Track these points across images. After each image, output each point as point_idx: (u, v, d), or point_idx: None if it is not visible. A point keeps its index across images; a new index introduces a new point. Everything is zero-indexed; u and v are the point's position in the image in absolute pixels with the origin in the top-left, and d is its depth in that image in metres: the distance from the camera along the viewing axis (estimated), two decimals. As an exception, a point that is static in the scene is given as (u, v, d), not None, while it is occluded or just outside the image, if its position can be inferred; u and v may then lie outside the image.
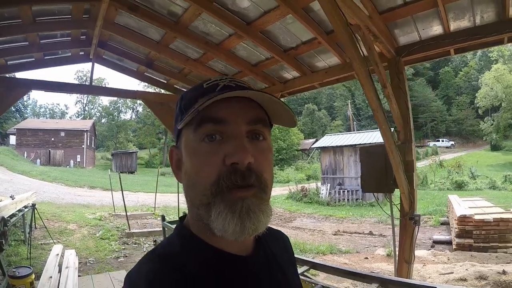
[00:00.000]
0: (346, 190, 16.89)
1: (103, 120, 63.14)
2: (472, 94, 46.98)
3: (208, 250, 0.70)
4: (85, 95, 56.62)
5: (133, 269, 0.69)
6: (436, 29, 3.49)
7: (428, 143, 48.58)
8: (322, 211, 14.93)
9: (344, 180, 17.43)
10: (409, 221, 3.69)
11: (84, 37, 4.93)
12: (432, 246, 8.90)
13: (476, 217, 8.17)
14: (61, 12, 4.09)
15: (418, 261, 7.04)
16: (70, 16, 4.18)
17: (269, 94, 0.70)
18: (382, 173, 3.69)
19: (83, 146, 39.00)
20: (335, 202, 16.74)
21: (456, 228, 8.55)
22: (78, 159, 37.77)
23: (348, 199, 16.57)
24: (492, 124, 41.09)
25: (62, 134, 38.71)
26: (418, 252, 7.98)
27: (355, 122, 44.55)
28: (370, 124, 46.85)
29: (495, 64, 41.81)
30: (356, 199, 16.63)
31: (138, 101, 46.10)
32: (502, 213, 8.45)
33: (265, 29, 4.03)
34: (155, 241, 4.90)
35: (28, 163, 29.73)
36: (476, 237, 8.03)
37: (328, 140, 19.26)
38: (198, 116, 0.67)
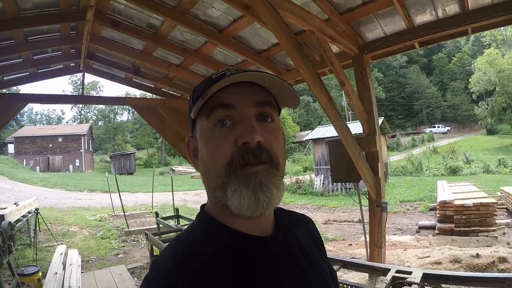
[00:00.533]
0: (340, 179, 17.01)
1: (99, 123, 62.82)
2: (466, 79, 46.75)
3: (227, 232, 0.73)
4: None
5: (160, 253, 0.79)
6: (399, 24, 3.73)
7: (424, 129, 48.87)
8: (315, 201, 15.28)
9: (338, 170, 17.52)
10: (376, 208, 4.03)
11: (74, 50, 5.28)
12: (417, 232, 9.13)
13: (456, 202, 8.36)
14: (50, 30, 4.44)
15: (400, 246, 7.37)
16: (59, 34, 4.53)
17: (271, 73, 0.73)
18: (349, 164, 3.91)
19: (81, 150, 39.09)
20: (328, 193, 17.02)
21: (437, 213, 8.82)
22: (77, 164, 37.84)
23: (341, 189, 16.74)
24: (486, 109, 41.15)
25: (60, 139, 38.78)
26: (402, 238, 8.29)
27: (350, 112, 44.64)
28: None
29: (487, 49, 41.88)
30: (349, 189, 16.71)
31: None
32: (482, 197, 8.62)
33: (237, 35, 4.39)
34: (146, 234, 5.30)
35: (27, 171, 29.88)
36: (457, 221, 8.20)
37: (320, 132, 19.44)
38: (208, 104, 0.72)
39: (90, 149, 44.41)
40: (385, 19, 3.71)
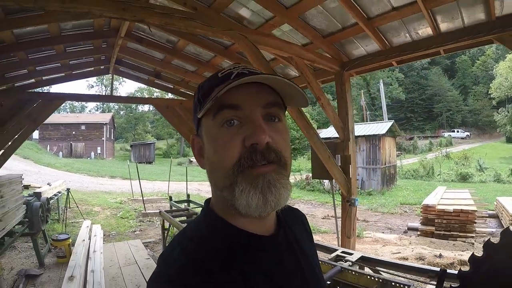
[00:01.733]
0: (347, 179, 17.44)
1: (121, 113, 63.72)
2: (489, 84, 44.84)
3: (233, 231, 0.74)
4: (104, 90, 58.62)
5: (166, 250, 0.75)
6: (377, 45, 4.23)
7: (443, 133, 48.27)
8: (321, 198, 15.78)
9: (345, 170, 17.89)
10: (346, 203, 4.76)
11: (104, 57, 6.24)
12: (405, 232, 9.56)
13: (439, 207, 8.83)
14: (85, 43, 5.38)
15: (382, 243, 8.07)
16: (92, 45, 5.48)
17: (281, 77, 0.72)
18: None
19: (103, 138, 40.23)
20: (335, 191, 17.54)
21: (421, 216, 9.36)
22: (99, 151, 39.07)
23: None
24: (506, 116, 39.43)
25: (83, 127, 39.98)
26: (387, 236, 8.93)
27: (368, 113, 44.30)
28: (381, 114, 46.14)
29: (510, 53, 40.37)
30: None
31: (155, 94, 47.37)
32: (463, 205, 8.96)
33: (239, 51, 5.18)
34: (160, 212, 6.30)
35: (51, 156, 31.38)
36: (438, 225, 8.65)
37: (330, 132, 19.72)
38: (215, 104, 0.70)
39: (112, 138, 45.51)
40: (364, 41, 4.27)
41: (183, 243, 0.74)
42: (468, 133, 48.77)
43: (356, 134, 18.03)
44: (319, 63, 4.46)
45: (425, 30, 3.74)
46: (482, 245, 1.86)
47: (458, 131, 48.74)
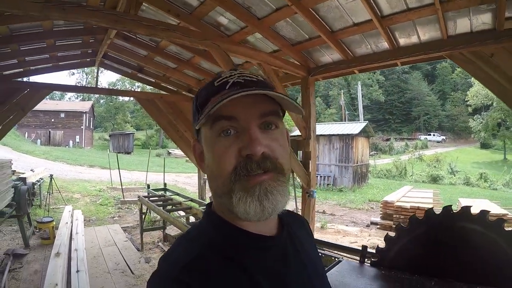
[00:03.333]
0: (319, 176, 18.08)
1: (101, 101, 62.71)
2: (467, 91, 45.29)
3: (238, 232, 0.76)
4: (85, 78, 57.94)
5: (169, 250, 0.77)
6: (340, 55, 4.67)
7: (420, 136, 49.50)
8: (293, 193, 16.45)
9: (318, 167, 18.45)
10: (306, 194, 5.30)
11: (91, 51, 6.63)
12: (368, 226, 10.20)
13: (397, 203, 9.57)
14: (75, 38, 5.76)
15: (343, 234, 8.77)
16: (81, 41, 5.87)
17: (276, 92, 0.72)
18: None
19: (82, 127, 39.77)
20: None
21: (380, 211, 10.12)
22: (77, 140, 38.60)
23: (320, 184, 17.96)
24: (481, 123, 39.96)
25: (62, 115, 39.38)
26: (349, 228, 9.62)
27: (347, 112, 45.12)
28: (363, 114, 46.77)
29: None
30: (327, 184, 18.07)
31: (136, 84, 46.96)
32: (420, 202, 9.71)
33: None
34: (138, 197, 6.77)
35: (29, 143, 30.98)
36: (396, 220, 9.31)
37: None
38: (212, 115, 0.71)
39: (91, 127, 45.01)
40: (329, 50, 4.65)
41: (186, 243, 0.77)
42: (444, 137, 50.26)
43: (331, 133, 18.87)
44: (286, 69, 4.95)
45: (384, 44, 4.08)
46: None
47: (434, 135, 50.18)
